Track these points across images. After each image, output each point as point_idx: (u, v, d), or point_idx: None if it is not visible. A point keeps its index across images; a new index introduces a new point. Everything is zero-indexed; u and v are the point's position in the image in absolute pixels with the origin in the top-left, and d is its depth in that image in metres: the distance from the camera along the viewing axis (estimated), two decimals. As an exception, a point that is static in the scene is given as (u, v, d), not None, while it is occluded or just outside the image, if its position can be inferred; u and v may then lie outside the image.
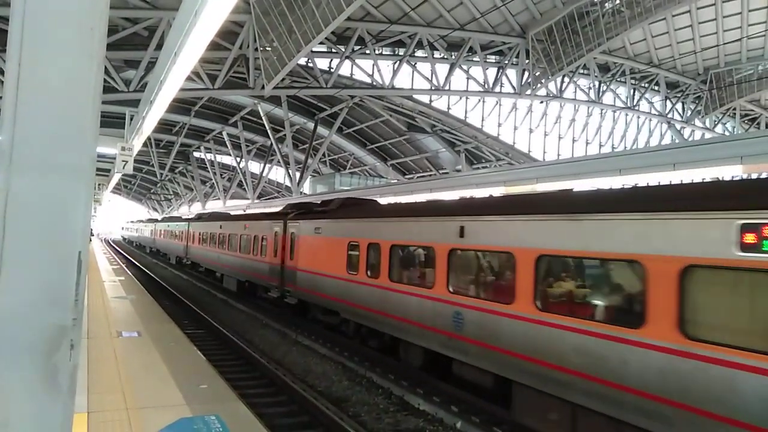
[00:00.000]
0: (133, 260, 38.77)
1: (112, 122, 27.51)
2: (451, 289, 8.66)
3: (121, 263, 29.98)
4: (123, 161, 13.87)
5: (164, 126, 42.25)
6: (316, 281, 13.63)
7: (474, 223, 8.36)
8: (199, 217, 31.13)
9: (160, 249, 43.60)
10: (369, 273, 11.12)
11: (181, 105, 36.05)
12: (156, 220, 53.62)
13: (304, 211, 16.01)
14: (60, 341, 1.90)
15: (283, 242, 16.07)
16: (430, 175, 42.49)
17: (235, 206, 46.90)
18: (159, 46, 20.50)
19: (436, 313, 8.84)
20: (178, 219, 40.18)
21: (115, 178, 25.88)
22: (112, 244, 67.43)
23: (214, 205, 56.67)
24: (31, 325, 1.85)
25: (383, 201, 16.25)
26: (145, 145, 34.11)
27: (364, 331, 11.98)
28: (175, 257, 35.58)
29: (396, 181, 43.82)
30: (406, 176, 46.83)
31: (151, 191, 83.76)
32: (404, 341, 10.11)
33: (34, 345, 1.86)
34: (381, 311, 10.55)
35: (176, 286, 24.14)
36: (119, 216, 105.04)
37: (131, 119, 15.62)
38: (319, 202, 16.72)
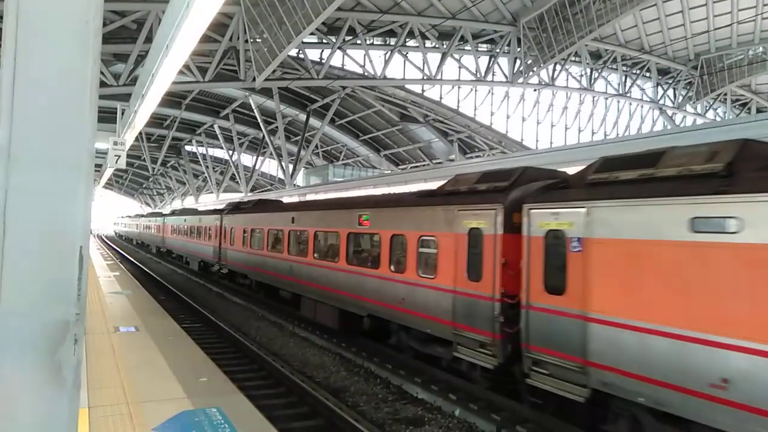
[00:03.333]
0: (127, 255, 38.65)
1: (102, 117, 27.31)
2: None
3: (115, 259, 29.90)
4: (116, 156, 13.77)
5: (155, 120, 41.96)
6: None
7: None
8: (237, 207, 21.93)
9: (172, 250, 34.56)
10: None
11: (171, 98, 35.81)
12: (160, 214, 43.97)
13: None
14: (64, 336, 1.90)
15: (583, 262, 6.64)
16: (424, 165, 42.49)
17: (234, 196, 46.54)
18: (148, 39, 20.32)
19: None
20: (195, 211, 31.60)
21: (107, 173, 25.66)
22: (105, 239, 67.06)
23: (208, 199, 56.46)
24: (35, 322, 1.86)
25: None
26: (136, 139, 33.82)
27: None
28: (199, 262, 26.54)
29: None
30: (400, 167, 46.82)
31: (143, 186, 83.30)
32: None
33: (38, 341, 1.86)
34: None
35: (171, 281, 24.10)
36: (111, 211, 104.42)
37: (122, 113, 15.49)
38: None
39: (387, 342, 11.14)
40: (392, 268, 10.30)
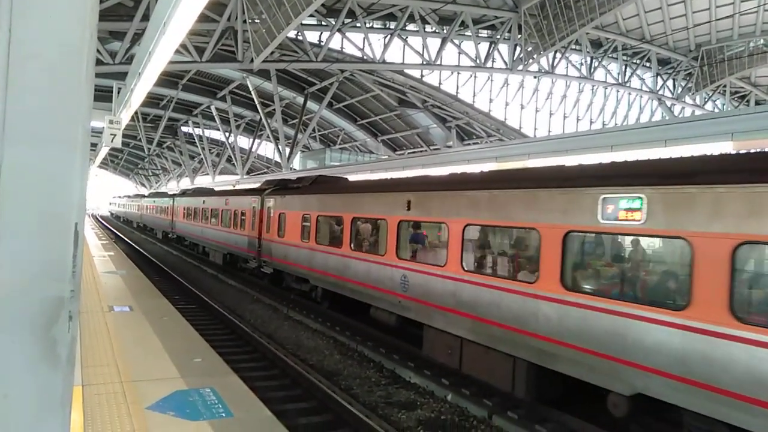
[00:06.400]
0: (122, 235, 38.58)
1: (98, 95, 27.01)
2: None
3: (109, 239, 29.85)
4: (111, 134, 13.67)
5: (151, 100, 41.67)
6: None
7: None
8: (285, 186, 16.67)
9: (185, 237, 29.35)
10: None
11: (168, 78, 35.48)
12: (166, 194, 38.17)
13: None
14: (58, 313, 1.89)
15: None
16: (421, 151, 42.39)
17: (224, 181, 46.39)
18: (145, 17, 20.07)
19: None
20: (217, 191, 26.98)
21: (103, 152, 25.51)
22: (100, 219, 66.82)
23: (203, 181, 56.26)
24: (29, 298, 1.84)
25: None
26: (132, 119, 33.63)
27: None
28: (225, 255, 21.50)
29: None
30: (397, 152, 46.69)
31: (139, 166, 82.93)
32: None
33: (32, 318, 1.85)
34: None
35: (166, 262, 24.09)
36: (106, 191, 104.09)
37: (119, 92, 15.36)
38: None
39: None
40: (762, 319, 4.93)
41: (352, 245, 11.53)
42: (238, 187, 33.26)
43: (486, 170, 9.42)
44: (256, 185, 22.59)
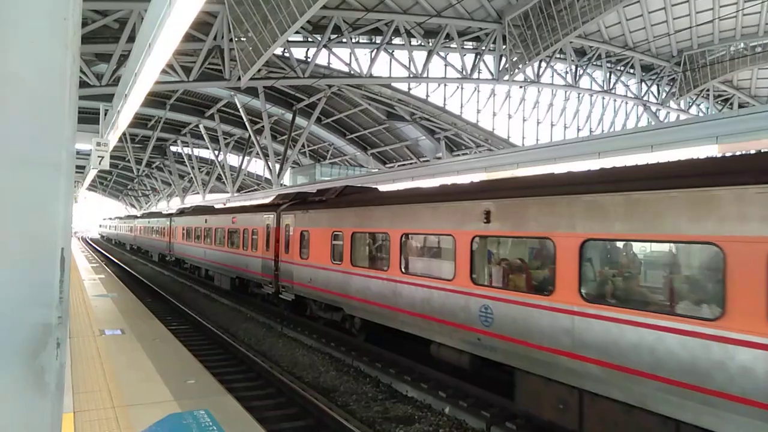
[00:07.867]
0: (111, 257, 38.26)
1: (85, 118, 26.98)
2: None
3: (99, 261, 29.58)
4: (99, 157, 13.60)
5: (139, 120, 41.58)
6: None
7: None
8: (304, 200, 15.15)
9: (185, 260, 27.33)
10: None
11: (155, 98, 35.46)
12: (161, 213, 36.23)
13: None
14: (46, 340, 1.85)
15: None
16: (411, 164, 42.51)
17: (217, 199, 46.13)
18: (131, 39, 20.08)
19: None
20: (219, 209, 24.72)
21: (91, 174, 25.34)
22: (89, 242, 66.19)
23: (193, 200, 55.99)
24: (15, 325, 1.81)
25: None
26: (120, 140, 33.49)
27: None
28: (233, 279, 19.53)
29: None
30: (387, 165, 46.79)
31: (128, 187, 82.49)
32: None
33: (18, 345, 1.81)
34: None
35: (157, 283, 23.88)
36: (95, 213, 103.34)
37: (105, 114, 15.31)
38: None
39: None
40: None
41: (402, 267, 9.60)
42: (229, 204, 33.01)
43: (617, 165, 7.32)
44: (250, 202, 21.75)
